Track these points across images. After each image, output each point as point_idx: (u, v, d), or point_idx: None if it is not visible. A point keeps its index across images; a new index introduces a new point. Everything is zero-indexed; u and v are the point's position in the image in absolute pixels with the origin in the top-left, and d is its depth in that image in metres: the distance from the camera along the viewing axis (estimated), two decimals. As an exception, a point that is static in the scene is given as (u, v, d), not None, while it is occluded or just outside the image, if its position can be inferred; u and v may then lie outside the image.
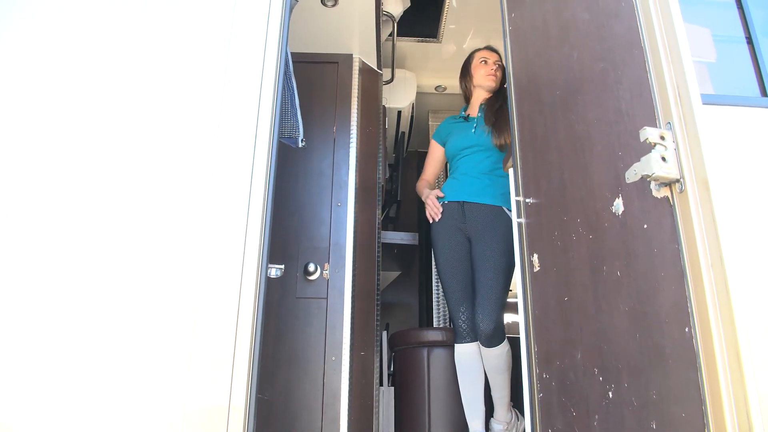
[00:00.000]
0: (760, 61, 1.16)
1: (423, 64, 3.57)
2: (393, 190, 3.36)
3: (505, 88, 2.56)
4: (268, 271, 1.38)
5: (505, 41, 1.81)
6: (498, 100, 2.58)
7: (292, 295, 2.32)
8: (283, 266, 1.55)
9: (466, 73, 2.70)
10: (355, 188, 2.46)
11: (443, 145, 2.62)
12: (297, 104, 1.77)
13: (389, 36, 2.99)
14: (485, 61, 2.61)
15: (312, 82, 2.59)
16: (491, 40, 3.29)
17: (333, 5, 2.45)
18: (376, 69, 2.81)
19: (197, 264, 1.18)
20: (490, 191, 2.37)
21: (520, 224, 1.61)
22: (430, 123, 3.88)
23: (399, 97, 3.35)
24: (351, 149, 2.53)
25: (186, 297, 1.15)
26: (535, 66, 1.55)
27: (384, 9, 2.68)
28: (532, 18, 1.58)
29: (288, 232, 2.29)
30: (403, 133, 3.65)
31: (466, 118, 2.62)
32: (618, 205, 1.12)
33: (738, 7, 1.18)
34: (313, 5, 2.43)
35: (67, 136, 1.27)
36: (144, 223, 1.21)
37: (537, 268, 1.47)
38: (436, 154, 2.67)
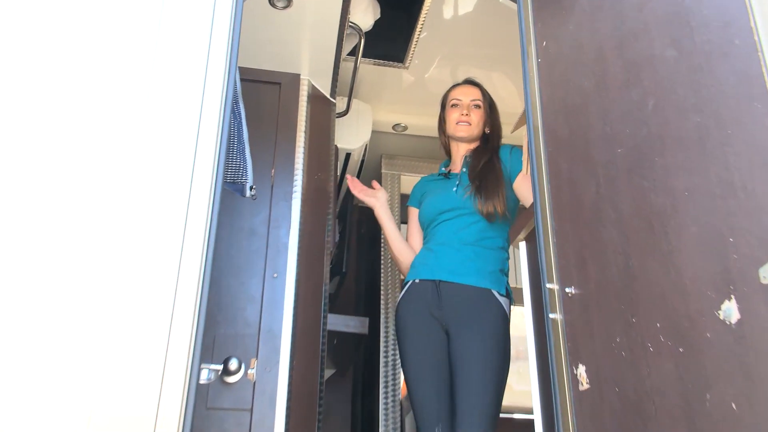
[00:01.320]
0: None
1: (378, 94, 3.64)
2: (337, 258, 3.36)
3: (495, 136, 2.63)
4: (200, 374, 1.29)
5: (526, 76, 1.79)
6: (486, 151, 2.61)
7: (202, 405, 2.15)
8: (221, 366, 1.40)
9: (441, 122, 2.76)
10: (298, 254, 2.44)
11: (418, 207, 2.67)
12: (245, 138, 1.74)
13: (348, 55, 2.97)
14: (456, 104, 2.67)
15: (245, 106, 2.57)
16: (460, 69, 3.37)
17: (285, 7, 2.39)
18: (328, 96, 2.85)
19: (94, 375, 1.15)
20: (474, 268, 2.36)
21: (554, 321, 1.52)
22: (383, 171, 3.96)
23: (351, 134, 3.40)
24: (294, 201, 2.53)
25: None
26: (581, 112, 1.51)
27: (350, 19, 2.66)
28: (578, 49, 1.56)
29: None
30: None
31: (447, 175, 2.65)
32: (729, 311, 1.05)
33: None
34: (256, 4, 2.39)
35: None
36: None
37: (585, 386, 1.37)
38: (415, 222, 2.68)
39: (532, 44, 1.77)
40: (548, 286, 1.57)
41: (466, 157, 2.64)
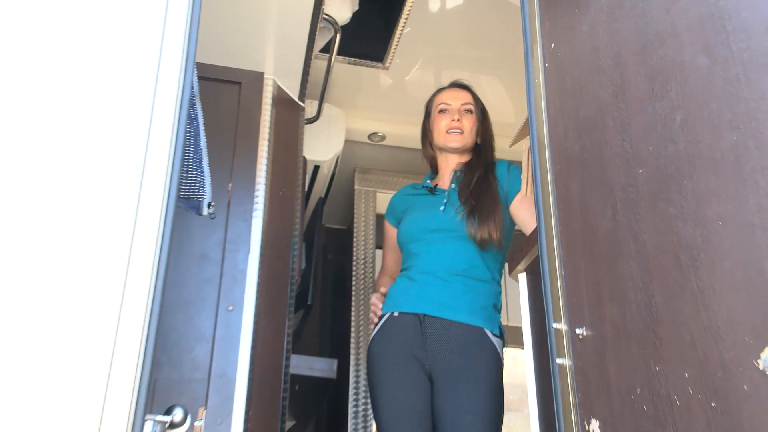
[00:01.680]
0: None
1: (353, 98, 3.67)
2: (302, 289, 3.39)
3: (489, 148, 2.66)
4: (144, 426, 1.27)
5: (531, 82, 1.81)
6: (479, 166, 2.64)
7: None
8: (169, 418, 1.37)
9: (425, 132, 2.79)
10: (258, 283, 2.43)
11: (397, 226, 2.70)
12: (203, 146, 1.75)
13: (320, 52, 2.98)
14: (445, 109, 2.71)
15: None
16: (446, 72, 3.41)
17: (247, -6, 2.40)
18: (296, 99, 2.88)
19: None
20: (466, 302, 2.38)
21: (561, 367, 1.52)
22: (356, 187, 4.02)
23: (321, 144, 3.44)
24: (255, 221, 2.53)
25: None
26: (596, 127, 1.53)
27: (324, 11, 2.68)
28: (593, 53, 1.58)
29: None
30: (321, 199, 3.78)
31: (433, 189, 2.67)
32: (771, 361, 1.06)
33: None
34: (213, -10, 2.42)
35: None
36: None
37: (599, 446, 1.37)
38: (393, 239, 2.73)
39: (538, 46, 1.79)
40: (555, 326, 1.57)
41: (456, 171, 2.67)
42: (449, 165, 2.69)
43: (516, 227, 2.57)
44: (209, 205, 1.73)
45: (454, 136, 2.66)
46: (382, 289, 2.61)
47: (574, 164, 1.61)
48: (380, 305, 2.52)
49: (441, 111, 2.71)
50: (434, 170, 2.77)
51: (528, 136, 2.26)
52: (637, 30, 1.46)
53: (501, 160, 2.68)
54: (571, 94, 1.65)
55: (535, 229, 1.84)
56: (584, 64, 1.62)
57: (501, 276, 2.50)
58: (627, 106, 1.45)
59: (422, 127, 2.80)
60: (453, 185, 2.62)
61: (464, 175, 2.62)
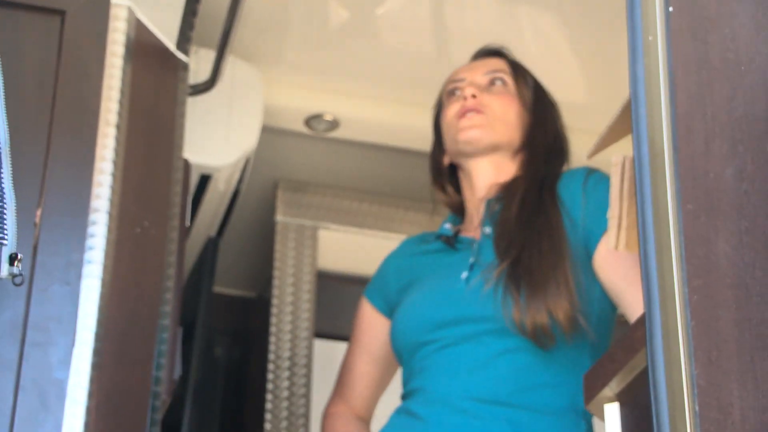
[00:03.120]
0: None
1: (279, 49, 3.75)
2: (171, 418, 3.40)
3: (552, 152, 2.69)
4: None
5: (638, 41, 1.83)
6: (532, 185, 2.75)
7: None
8: None
9: (436, 144, 2.98)
10: (88, 410, 2.44)
11: (388, 314, 2.85)
12: (2, 140, 1.81)
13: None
14: (456, 88, 2.94)
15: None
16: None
17: None
18: (172, 49, 2.95)
19: None
20: None
21: None
22: (278, 218, 4.08)
23: (216, 135, 3.46)
24: (86, 286, 2.54)
25: None
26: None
27: None
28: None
29: None
30: (210, 241, 3.87)
31: (452, 239, 2.82)
32: None
33: None
34: None
35: None
36: None
37: None
38: (376, 339, 2.81)
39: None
40: None
41: (489, 202, 2.75)
42: (477, 187, 2.79)
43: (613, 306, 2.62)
44: (13, 258, 1.77)
45: (469, 120, 2.77)
46: None
47: (723, 203, 1.66)
48: None
49: (450, 93, 2.91)
50: (454, 211, 2.88)
51: (624, 138, 2.25)
52: None
53: (573, 169, 2.77)
54: (721, 70, 1.67)
55: (641, 319, 1.84)
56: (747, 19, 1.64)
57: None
58: None
59: (433, 143, 2.96)
60: (487, 228, 2.70)
61: (504, 204, 2.70)
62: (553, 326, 2.45)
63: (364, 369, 2.81)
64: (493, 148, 2.75)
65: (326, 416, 2.86)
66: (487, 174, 2.76)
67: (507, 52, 2.95)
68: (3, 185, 1.81)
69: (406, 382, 2.69)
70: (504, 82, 2.83)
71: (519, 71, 2.88)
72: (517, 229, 2.60)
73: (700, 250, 1.67)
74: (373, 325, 2.82)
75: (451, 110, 2.83)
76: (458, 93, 2.84)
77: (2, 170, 1.83)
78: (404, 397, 2.67)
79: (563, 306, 2.45)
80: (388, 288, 2.85)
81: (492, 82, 2.83)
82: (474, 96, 2.77)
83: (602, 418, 2.18)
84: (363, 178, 4.07)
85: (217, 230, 3.88)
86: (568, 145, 2.84)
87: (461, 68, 2.95)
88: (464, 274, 2.63)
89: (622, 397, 2.12)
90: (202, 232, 3.79)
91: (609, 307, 2.60)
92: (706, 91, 1.70)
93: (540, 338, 2.46)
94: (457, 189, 2.89)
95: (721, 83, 1.67)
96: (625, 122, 2.17)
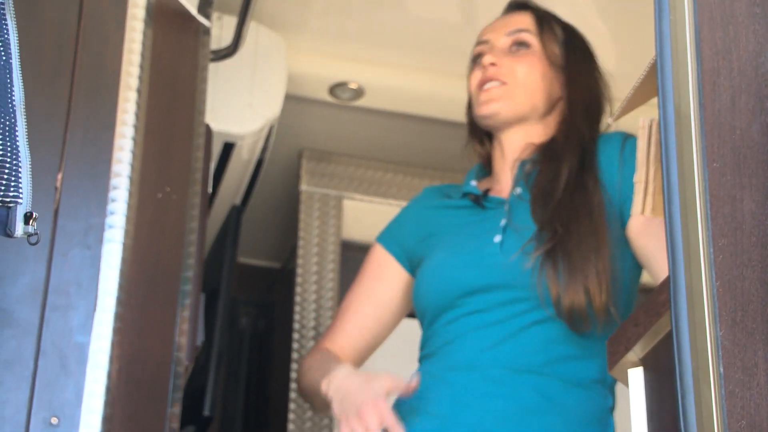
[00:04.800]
0: None
1: (303, 15, 3.75)
2: (194, 386, 3.43)
3: (589, 116, 2.70)
4: None
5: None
6: (568, 150, 2.75)
7: None
8: None
9: (469, 108, 2.98)
10: (109, 376, 2.46)
11: (407, 264, 2.86)
12: (18, 102, 1.83)
13: None
14: (480, 53, 2.93)
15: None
16: None
17: None
18: (194, 13, 2.96)
19: None
20: (542, 430, 2.54)
21: None
22: (302, 188, 4.13)
23: (239, 102, 3.48)
24: (107, 251, 2.55)
25: None
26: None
27: None
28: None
29: None
30: (234, 209, 3.86)
31: (481, 198, 2.81)
32: None
33: None
34: None
35: None
36: None
37: None
38: (377, 283, 2.85)
39: None
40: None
41: (523, 163, 2.76)
42: (508, 151, 2.79)
43: (643, 273, 2.63)
44: (27, 217, 1.77)
45: (487, 93, 2.78)
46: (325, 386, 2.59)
47: (750, 160, 1.65)
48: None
49: (475, 59, 2.91)
50: (486, 162, 2.88)
51: (650, 101, 2.23)
52: None
53: (610, 132, 2.77)
54: (747, 24, 1.67)
55: (665, 282, 1.85)
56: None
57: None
58: None
59: (467, 104, 2.94)
60: (519, 189, 2.71)
61: (541, 169, 2.70)
62: (588, 309, 2.47)
63: (363, 311, 2.81)
64: (517, 119, 2.77)
65: (308, 354, 2.89)
66: (518, 140, 2.77)
67: (534, 4, 2.92)
68: (18, 144, 1.80)
69: (427, 344, 2.69)
70: (527, 44, 2.82)
71: (546, 25, 2.86)
72: (556, 201, 2.61)
73: (726, 209, 1.67)
74: (384, 270, 2.84)
75: (474, 79, 2.83)
76: (481, 59, 2.83)
77: (17, 129, 1.82)
78: (425, 357, 2.68)
79: (601, 294, 2.47)
80: (405, 236, 2.86)
81: (515, 43, 2.82)
82: (493, 64, 2.77)
83: (626, 383, 2.18)
84: (388, 148, 4.09)
85: (241, 199, 3.89)
86: (606, 96, 2.84)
87: (486, 27, 2.93)
88: (497, 238, 2.64)
89: (646, 362, 2.13)
90: (227, 200, 3.80)
91: (636, 277, 2.64)
92: (732, 47, 1.70)
93: (575, 320, 2.49)
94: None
95: (747, 38, 1.67)
96: (652, 84, 2.16)
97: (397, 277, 2.81)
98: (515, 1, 2.93)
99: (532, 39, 2.81)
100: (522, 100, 2.74)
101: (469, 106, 2.92)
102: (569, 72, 2.79)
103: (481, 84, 2.78)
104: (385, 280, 2.81)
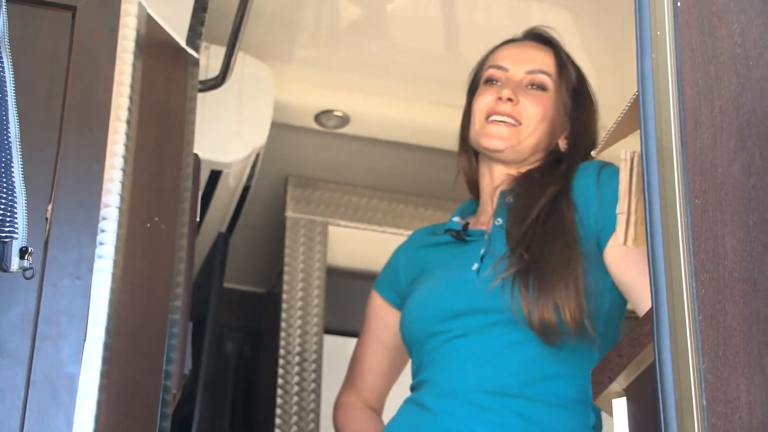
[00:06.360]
0: None
1: (290, 46, 3.75)
2: (180, 415, 3.42)
3: (579, 154, 2.78)
4: None
5: (645, 34, 1.84)
6: (550, 179, 2.74)
7: None
8: None
9: (465, 122, 2.93)
10: (99, 404, 2.44)
11: (399, 306, 2.86)
12: (14, 136, 1.83)
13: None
14: (495, 79, 2.89)
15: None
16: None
17: None
18: (183, 45, 2.95)
19: None
20: None
21: None
22: (288, 214, 4.09)
23: (226, 131, 3.48)
24: (97, 281, 2.53)
25: None
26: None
27: None
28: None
29: None
30: (221, 237, 3.85)
31: (462, 233, 2.80)
32: None
33: None
34: None
35: None
36: None
37: None
38: (386, 330, 2.84)
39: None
40: None
41: (503, 193, 2.75)
42: (494, 180, 2.79)
43: (624, 302, 2.63)
44: (23, 252, 1.76)
45: (497, 128, 2.74)
46: None
47: (731, 197, 1.66)
48: None
49: (488, 81, 2.84)
50: (473, 191, 2.88)
51: (633, 134, 2.25)
52: None
53: (585, 162, 2.75)
54: (729, 65, 1.68)
55: (648, 314, 1.85)
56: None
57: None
58: None
59: (463, 113, 2.92)
60: (500, 219, 2.70)
61: (518, 196, 2.69)
62: (560, 323, 2.46)
63: (375, 360, 2.83)
64: (515, 161, 2.76)
65: (338, 406, 2.87)
66: (506, 171, 2.77)
67: (557, 42, 2.89)
68: (14, 179, 1.81)
69: (415, 374, 2.69)
70: (542, 87, 2.80)
71: (564, 69, 2.84)
72: (531, 223, 2.60)
73: (708, 245, 1.68)
74: (383, 317, 2.84)
75: (483, 101, 2.78)
76: (496, 84, 2.80)
77: (13, 165, 1.83)
78: (414, 388, 2.67)
79: (571, 306, 2.46)
80: (398, 280, 2.87)
81: (533, 83, 2.79)
82: (511, 99, 2.73)
83: (610, 413, 2.19)
84: (373, 174, 4.07)
85: (227, 226, 3.88)
86: (595, 143, 2.80)
87: (507, 50, 2.89)
88: (475, 266, 2.63)
89: (630, 392, 2.13)
90: (213, 227, 3.79)
91: (619, 300, 2.61)
92: (713, 86, 1.70)
93: (547, 333, 2.47)
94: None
95: (729, 78, 1.68)
96: (634, 118, 2.17)
97: (396, 321, 2.79)
98: (541, 33, 2.90)
99: (549, 83, 2.80)
100: (527, 144, 2.73)
101: (466, 121, 2.90)
102: (576, 122, 2.80)
103: (492, 113, 2.74)
104: (387, 327, 2.81)
